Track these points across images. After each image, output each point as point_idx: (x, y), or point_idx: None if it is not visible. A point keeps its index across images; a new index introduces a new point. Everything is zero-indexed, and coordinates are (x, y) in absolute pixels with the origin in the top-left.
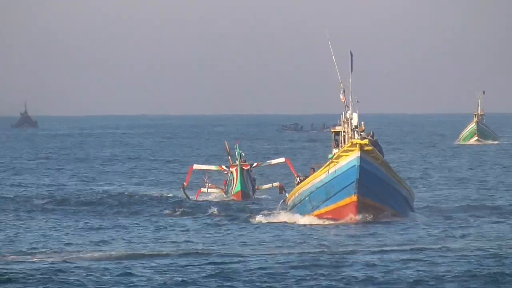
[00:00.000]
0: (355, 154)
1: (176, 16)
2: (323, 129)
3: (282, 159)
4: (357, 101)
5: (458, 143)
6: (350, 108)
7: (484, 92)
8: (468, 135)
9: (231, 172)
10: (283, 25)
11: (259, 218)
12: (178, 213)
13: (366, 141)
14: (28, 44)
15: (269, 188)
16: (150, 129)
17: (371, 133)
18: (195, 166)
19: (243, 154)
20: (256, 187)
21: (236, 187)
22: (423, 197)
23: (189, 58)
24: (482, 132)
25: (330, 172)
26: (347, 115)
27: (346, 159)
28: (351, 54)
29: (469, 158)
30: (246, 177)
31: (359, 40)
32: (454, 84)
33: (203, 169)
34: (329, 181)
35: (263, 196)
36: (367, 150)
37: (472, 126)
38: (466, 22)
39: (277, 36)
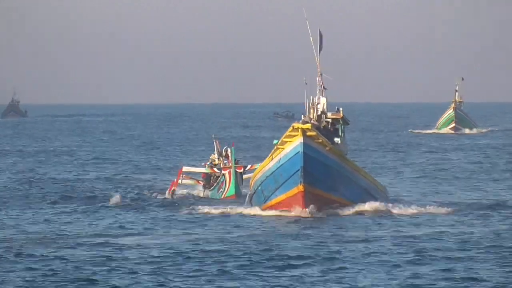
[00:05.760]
0: (298, 140)
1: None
2: None
3: None
4: (306, 83)
5: (434, 131)
6: (318, 92)
7: (462, 79)
8: (446, 122)
9: (223, 175)
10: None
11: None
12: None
13: (308, 125)
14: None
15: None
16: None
17: (321, 116)
18: (185, 169)
19: (231, 151)
20: None
21: (230, 190)
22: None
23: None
24: (460, 119)
25: (275, 159)
26: (315, 100)
27: (290, 145)
28: (320, 34)
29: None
30: (239, 179)
31: (335, 26)
32: (432, 72)
33: (193, 171)
34: (276, 170)
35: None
36: (310, 136)
37: (449, 112)
38: (445, 10)
39: (258, 24)
